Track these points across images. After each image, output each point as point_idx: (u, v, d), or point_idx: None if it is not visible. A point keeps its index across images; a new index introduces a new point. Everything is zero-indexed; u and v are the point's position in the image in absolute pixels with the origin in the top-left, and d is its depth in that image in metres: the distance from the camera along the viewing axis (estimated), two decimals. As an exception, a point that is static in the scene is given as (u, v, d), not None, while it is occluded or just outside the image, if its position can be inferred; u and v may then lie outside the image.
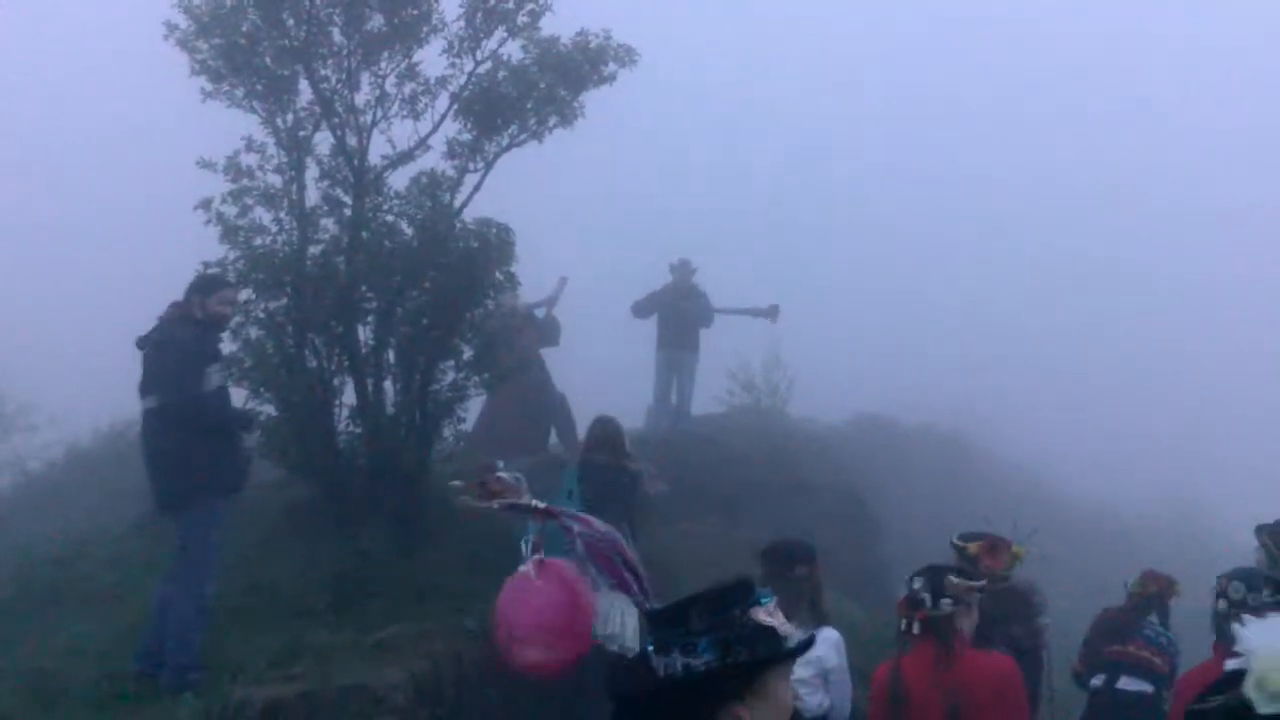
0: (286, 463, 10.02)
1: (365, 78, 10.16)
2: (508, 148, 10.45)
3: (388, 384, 10.21)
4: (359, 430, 10.07)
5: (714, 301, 15.45)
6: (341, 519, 9.70)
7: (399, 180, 10.34)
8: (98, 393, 12.77)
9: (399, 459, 9.97)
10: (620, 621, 8.01)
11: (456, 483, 7.00)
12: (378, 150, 10.23)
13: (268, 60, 9.94)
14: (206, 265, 9.24)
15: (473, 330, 10.38)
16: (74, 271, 23.90)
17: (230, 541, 8.52)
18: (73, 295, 23.07)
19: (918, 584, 5.69)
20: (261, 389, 9.64)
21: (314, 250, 10.04)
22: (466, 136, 10.36)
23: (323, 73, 10.04)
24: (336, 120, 10.06)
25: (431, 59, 10.34)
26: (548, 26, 10.45)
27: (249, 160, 9.90)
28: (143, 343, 8.09)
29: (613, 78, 10.54)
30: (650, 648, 3.04)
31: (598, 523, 6.80)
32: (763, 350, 17.33)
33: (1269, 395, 27.56)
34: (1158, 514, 21.11)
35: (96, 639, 8.54)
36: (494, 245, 10.30)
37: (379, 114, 10.20)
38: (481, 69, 10.37)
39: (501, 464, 7.01)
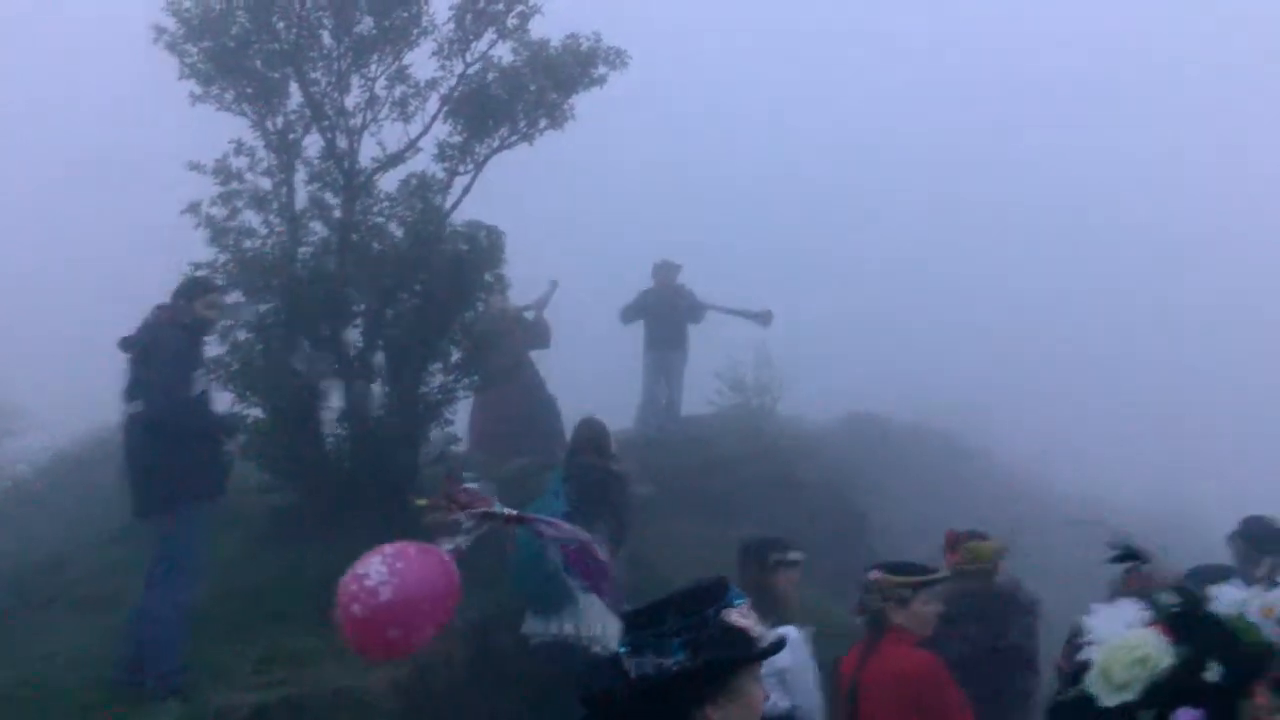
0: (272, 466, 10.03)
1: (355, 80, 10.18)
2: (498, 150, 10.47)
3: (376, 387, 10.22)
4: (346, 433, 10.08)
5: (705, 300, 15.44)
6: (327, 523, 9.68)
7: (389, 183, 10.37)
8: (84, 397, 12.75)
9: (386, 462, 9.97)
10: (602, 624, 8.05)
11: (422, 501, 6.97)
12: (367, 153, 10.26)
13: (257, 63, 9.95)
14: (195, 267, 9.25)
15: (462, 333, 10.39)
16: (60, 275, 23.86)
17: (214, 546, 8.49)
18: (58, 299, 23.03)
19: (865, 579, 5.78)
20: (248, 392, 9.64)
21: (303, 252, 10.06)
22: (456, 139, 10.37)
23: (312, 75, 10.04)
24: (326, 123, 10.07)
25: (421, 61, 10.36)
26: (538, 29, 10.47)
27: (238, 163, 9.93)
28: (127, 344, 8.04)
29: (603, 80, 10.55)
30: (623, 649, 3.07)
31: (567, 526, 6.79)
32: (753, 350, 17.32)
33: (1259, 394, 27.62)
34: (1149, 511, 21.11)
35: (82, 645, 8.51)
36: (483, 248, 10.33)
37: (369, 116, 10.22)
38: (471, 71, 10.39)
39: (467, 474, 6.99)
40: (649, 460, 12.83)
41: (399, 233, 10.25)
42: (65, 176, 26.14)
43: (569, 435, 10.17)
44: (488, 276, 10.48)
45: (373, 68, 10.21)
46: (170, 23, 9.83)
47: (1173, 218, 33.11)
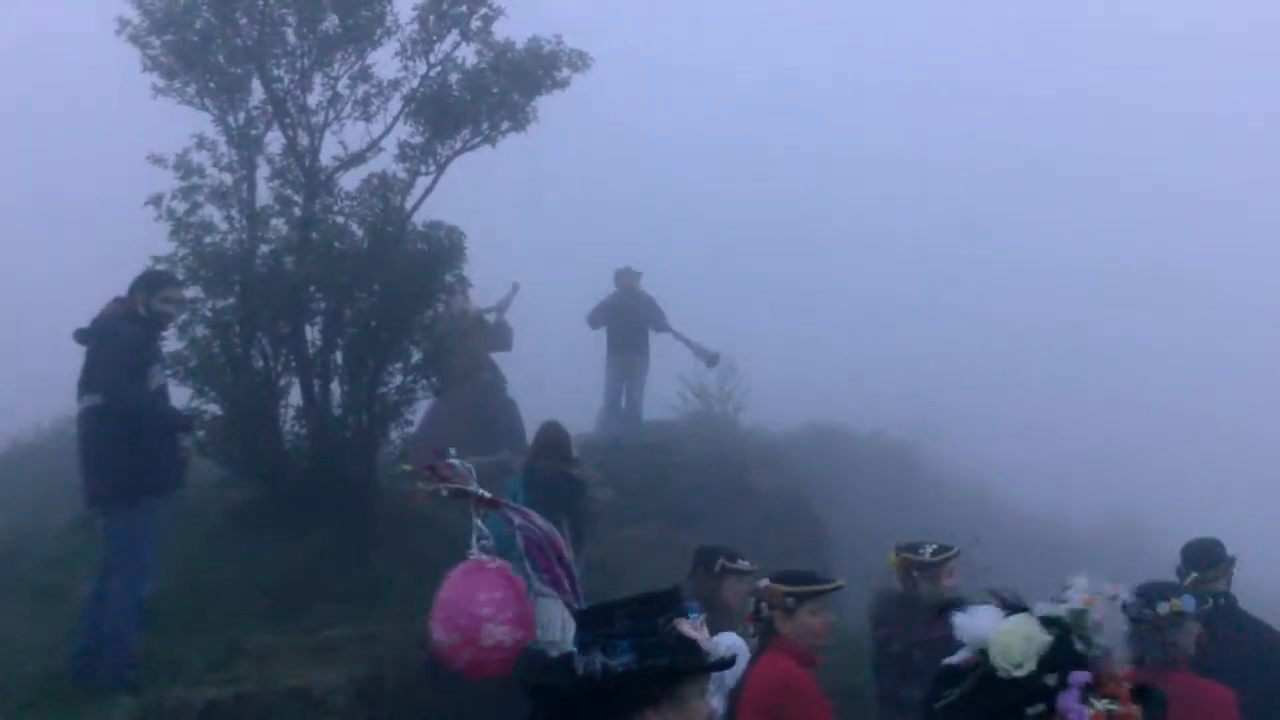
0: (230, 463, 9.99)
1: (318, 78, 10.20)
2: (460, 151, 10.49)
3: (335, 385, 10.20)
4: (305, 431, 10.05)
5: (668, 319, 15.54)
6: (285, 520, 9.66)
7: (350, 181, 10.39)
8: (40, 387, 12.64)
9: (344, 461, 9.96)
10: (561, 628, 8.04)
11: (406, 466, 7.02)
12: (329, 151, 10.28)
13: (220, 59, 9.94)
14: (155, 260, 9.20)
15: (422, 333, 10.39)
16: (17, 264, 23.61)
17: (171, 541, 8.44)
18: (16, 288, 22.80)
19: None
20: (206, 388, 9.59)
21: (263, 249, 10.03)
22: (418, 139, 10.40)
23: (275, 72, 10.05)
24: (288, 120, 10.07)
25: (385, 61, 10.39)
26: (501, 31, 10.50)
27: (200, 158, 9.88)
28: (81, 336, 7.98)
29: (566, 83, 10.60)
30: (574, 647, 3.12)
31: (538, 518, 6.82)
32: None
33: (1219, 408, 27.89)
34: (1105, 526, 21.27)
35: (35, 637, 8.47)
36: (444, 248, 10.33)
37: (331, 115, 10.24)
38: (434, 72, 10.42)
39: (453, 451, 7.02)
40: (609, 464, 12.85)
41: (360, 232, 10.25)
42: (23, 164, 25.89)
43: (530, 438, 10.18)
44: (448, 277, 10.49)
45: (336, 66, 10.23)
46: (134, 15, 9.80)
47: (1134, 235, 33.43)
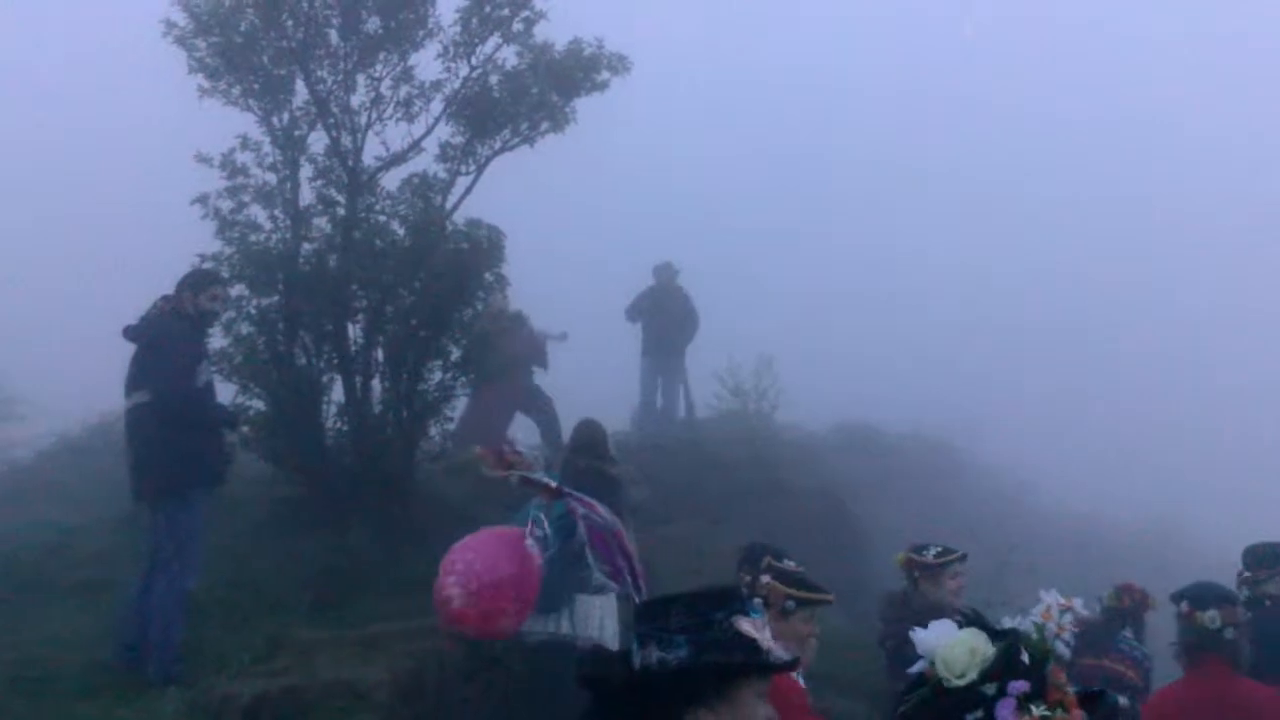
0: (273, 459, 10.11)
1: (361, 79, 10.30)
2: (500, 151, 10.56)
3: (376, 382, 10.30)
4: (346, 428, 10.16)
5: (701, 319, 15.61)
6: (327, 516, 9.78)
7: (391, 181, 10.49)
8: (87, 385, 12.81)
9: (385, 457, 10.06)
10: (600, 624, 8.11)
11: (477, 449, 7.07)
12: (371, 151, 10.38)
13: (265, 60, 10.05)
14: (201, 259, 9.33)
15: (461, 331, 10.48)
16: (65, 263, 23.88)
17: (215, 536, 8.57)
18: (63, 287, 23.07)
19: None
20: (251, 384, 9.72)
21: (307, 248, 10.15)
22: (459, 140, 10.49)
23: (319, 74, 10.16)
24: (331, 121, 10.17)
25: (426, 63, 10.49)
26: (542, 34, 10.58)
27: (244, 158, 10.02)
28: (131, 334, 8.10)
29: (605, 85, 10.65)
30: (634, 641, 3.08)
31: (602, 509, 6.82)
32: (754, 355, 17.43)
33: (1256, 413, 27.66)
34: (1141, 527, 21.17)
35: (83, 630, 8.56)
36: (484, 247, 10.42)
37: (373, 115, 10.34)
38: (475, 74, 10.49)
39: (519, 437, 7.10)
40: (645, 463, 12.91)
41: (401, 231, 10.35)
42: (71, 165, 26.18)
43: (567, 436, 10.24)
44: (488, 275, 10.58)
45: (378, 67, 10.33)
46: (180, 17, 9.94)
47: (1175, 228, 33.19)
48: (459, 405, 11.27)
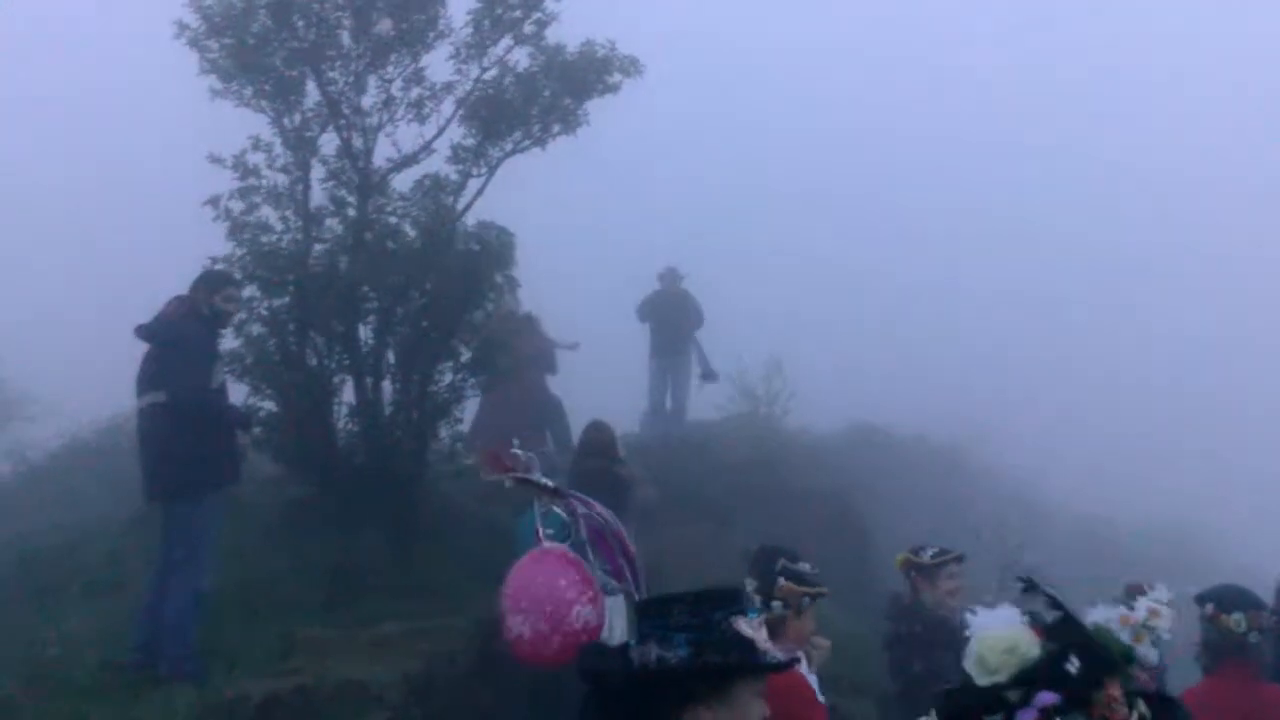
0: (285, 459, 10.14)
1: (372, 81, 10.30)
2: (511, 153, 10.57)
3: (386, 384, 10.32)
4: (357, 429, 10.19)
5: (706, 315, 15.62)
6: (338, 516, 9.79)
7: (403, 183, 10.49)
8: (98, 385, 12.84)
9: (395, 458, 10.08)
10: (609, 624, 8.11)
11: (474, 457, 7.09)
12: (383, 153, 10.38)
13: (277, 61, 10.05)
14: (213, 260, 9.36)
15: (472, 332, 10.50)
16: (76, 263, 23.96)
17: (227, 535, 8.59)
18: (74, 287, 23.13)
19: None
20: (262, 385, 9.75)
21: (318, 249, 10.17)
22: (470, 141, 10.48)
23: (330, 75, 10.16)
24: (343, 122, 10.19)
25: (438, 64, 10.47)
26: (554, 36, 10.57)
27: (256, 159, 10.02)
28: (144, 333, 8.12)
29: (617, 88, 10.65)
30: (634, 639, 3.15)
31: (601, 508, 6.82)
32: (764, 357, 17.47)
33: (1270, 418, 27.58)
34: (1153, 529, 21.12)
35: (96, 630, 8.61)
36: (494, 248, 10.44)
37: (385, 117, 10.34)
38: (487, 75, 10.50)
39: (517, 441, 7.09)
40: (654, 464, 12.91)
41: (412, 232, 10.36)
42: (81, 168, 26.25)
43: (576, 438, 10.25)
44: (498, 277, 10.60)
45: (390, 69, 10.33)
46: (192, 19, 9.95)
47: (1183, 231, 33.13)
48: (469, 406, 11.27)
